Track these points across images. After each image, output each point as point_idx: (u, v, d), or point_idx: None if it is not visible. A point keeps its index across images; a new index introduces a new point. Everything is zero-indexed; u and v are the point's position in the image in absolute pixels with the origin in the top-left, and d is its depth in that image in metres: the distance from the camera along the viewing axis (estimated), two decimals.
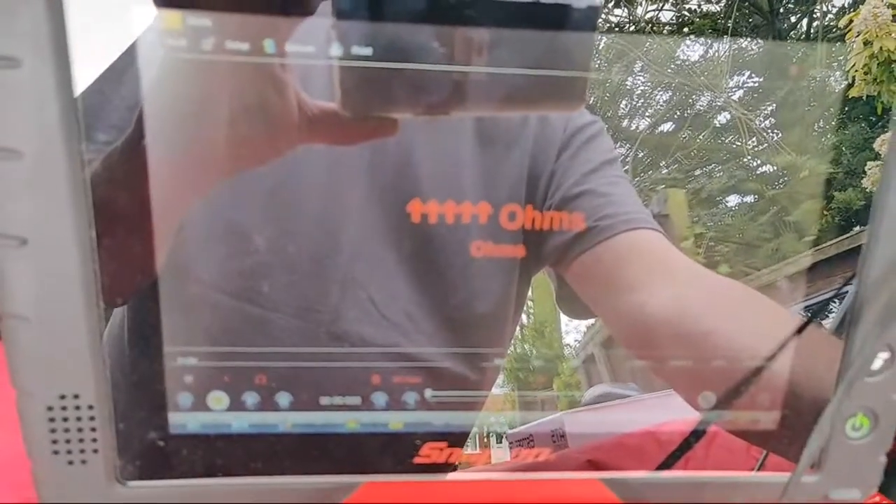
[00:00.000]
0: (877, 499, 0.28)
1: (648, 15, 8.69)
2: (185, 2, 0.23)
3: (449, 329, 0.50)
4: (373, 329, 0.47)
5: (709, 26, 8.16)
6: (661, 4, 8.60)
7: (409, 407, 0.29)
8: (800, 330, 0.29)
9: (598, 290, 0.51)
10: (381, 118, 0.27)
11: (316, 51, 0.24)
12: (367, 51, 0.23)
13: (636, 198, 0.52)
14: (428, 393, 0.29)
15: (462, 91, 0.25)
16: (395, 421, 0.29)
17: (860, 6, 3.18)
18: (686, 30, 8.41)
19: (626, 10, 8.62)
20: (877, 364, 0.27)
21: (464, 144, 0.51)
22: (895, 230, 0.26)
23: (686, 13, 8.61)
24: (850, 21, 3.32)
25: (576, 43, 0.25)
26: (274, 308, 0.45)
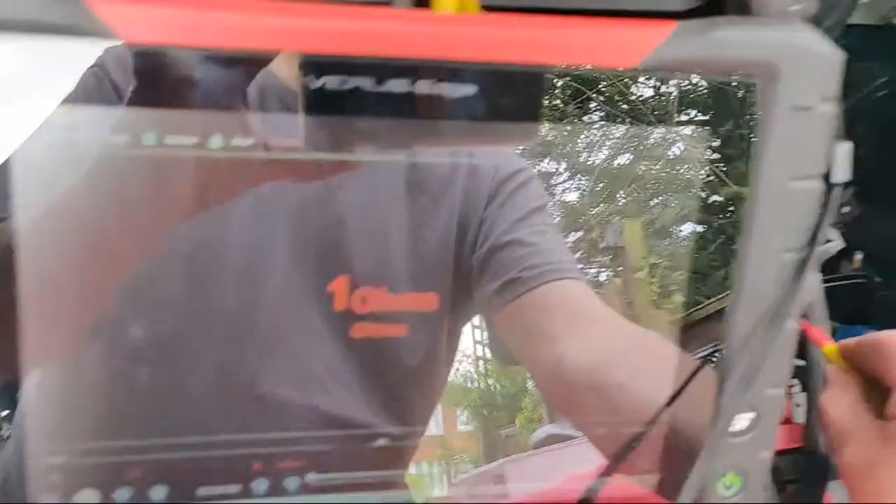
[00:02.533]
0: None
1: None
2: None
3: (377, 385, 0.50)
4: (295, 390, 0.47)
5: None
6: None
7: (289, 492, 0.28)
8: (671, 400, 0.30)
9: (522, 340, 0.51)
10: (344, 155, 0.28)
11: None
12: None
13: (563, 246, 0.53)
14: (310, 476, 0.28)
15: (422, 132, 0.26)
16: None
17: None
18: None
19: None
20: (743, 424, 0.28)
21: (393, 195, 0.52)
22: (754, 295, 0.27)
23: None
24: None
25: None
26: (192, 372, 0.45)
